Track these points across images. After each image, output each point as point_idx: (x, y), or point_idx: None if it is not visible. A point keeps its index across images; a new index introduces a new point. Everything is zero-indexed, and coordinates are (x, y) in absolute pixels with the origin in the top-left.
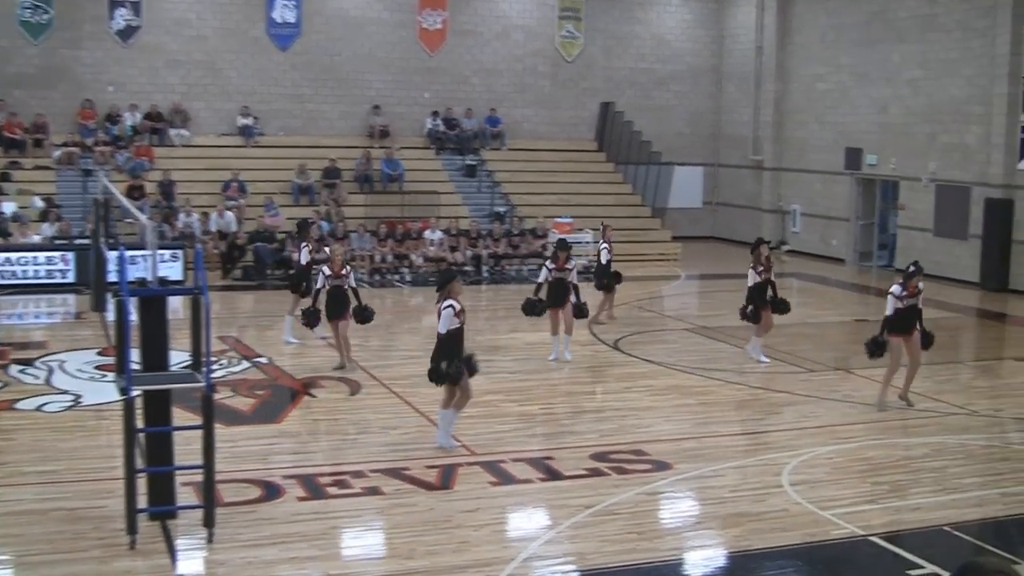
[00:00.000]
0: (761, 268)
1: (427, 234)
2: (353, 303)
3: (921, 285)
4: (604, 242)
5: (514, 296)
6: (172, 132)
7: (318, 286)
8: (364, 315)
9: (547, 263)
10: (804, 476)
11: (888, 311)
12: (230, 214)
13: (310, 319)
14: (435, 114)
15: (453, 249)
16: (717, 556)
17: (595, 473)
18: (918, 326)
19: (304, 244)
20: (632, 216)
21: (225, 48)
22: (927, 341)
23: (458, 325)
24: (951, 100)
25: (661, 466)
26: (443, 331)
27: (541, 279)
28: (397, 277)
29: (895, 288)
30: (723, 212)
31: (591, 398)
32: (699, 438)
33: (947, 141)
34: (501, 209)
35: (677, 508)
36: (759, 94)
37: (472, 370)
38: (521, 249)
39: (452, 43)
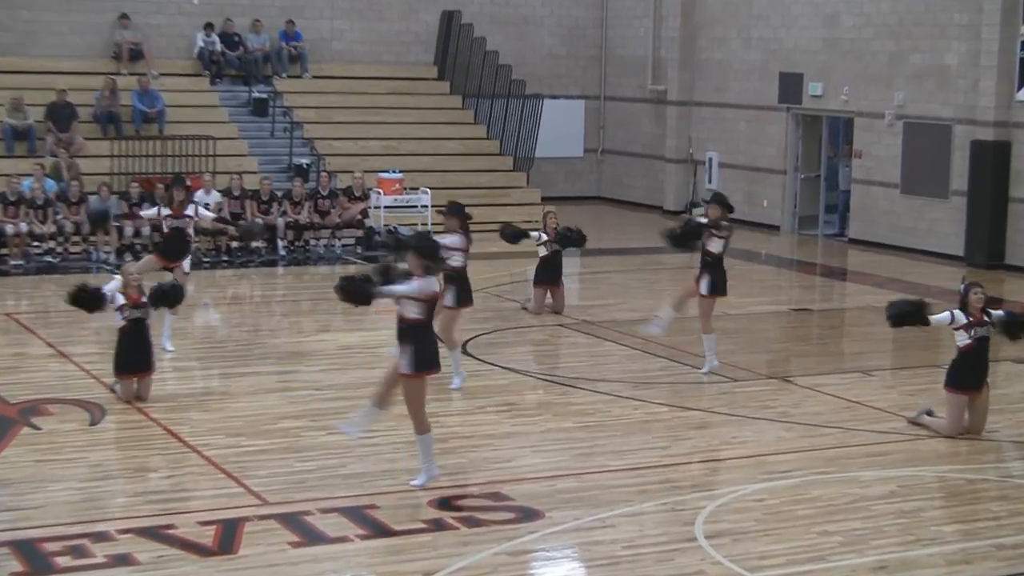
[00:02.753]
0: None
1: (199, 196)
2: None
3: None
4: (543, 232)
5: (322, 283)
6: None
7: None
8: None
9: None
10: (725, 525)
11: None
12: None
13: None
14: (208, 27)
15: (236, 217)
16: None
17: (437, 526)
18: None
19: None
20: (486, 170)
21: None
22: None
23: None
24: (925, 7)
25: (528, 514)
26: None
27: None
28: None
29: (956, 315)
30: (613, 163)
31: (433, 422)
32: (580, 474)
33: (919, 63)
34: (304, 161)
35: (552, 573)
36: (660, 1)
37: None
38: (332, 217)
39: None
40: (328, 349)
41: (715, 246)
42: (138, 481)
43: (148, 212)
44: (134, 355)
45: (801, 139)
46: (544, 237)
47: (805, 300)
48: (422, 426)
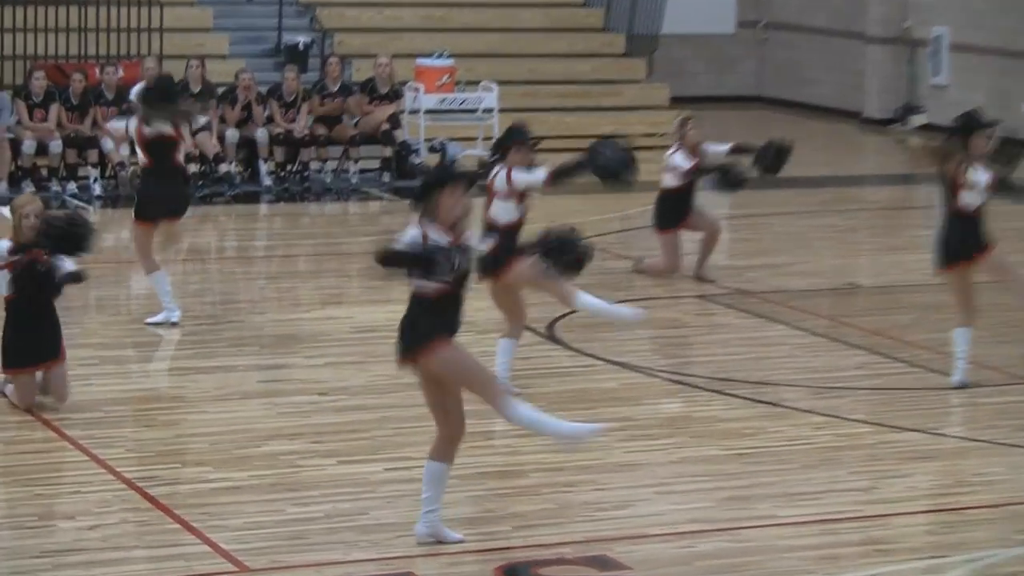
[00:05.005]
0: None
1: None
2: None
3: None
4: (680, 147)
5: (330, 229)
6: None
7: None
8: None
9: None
10: None
11: None
12: None
13: None
14: None
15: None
16: None
17: None
18: None
19: None
20: (584, 54)
21: None
22: None
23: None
24: None
25: None
26: None
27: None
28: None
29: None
30: (782, 45)
31: (502, 445)
32: (732, 529)
33: None
34: (301, 40)
35: None
36: None
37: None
38: (344, 128)
39: None
40: (338, 332)
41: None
42: (41, 534)
43: (115, 124)
44: (32, 337)
45: None
46: (682, 161)
47: None
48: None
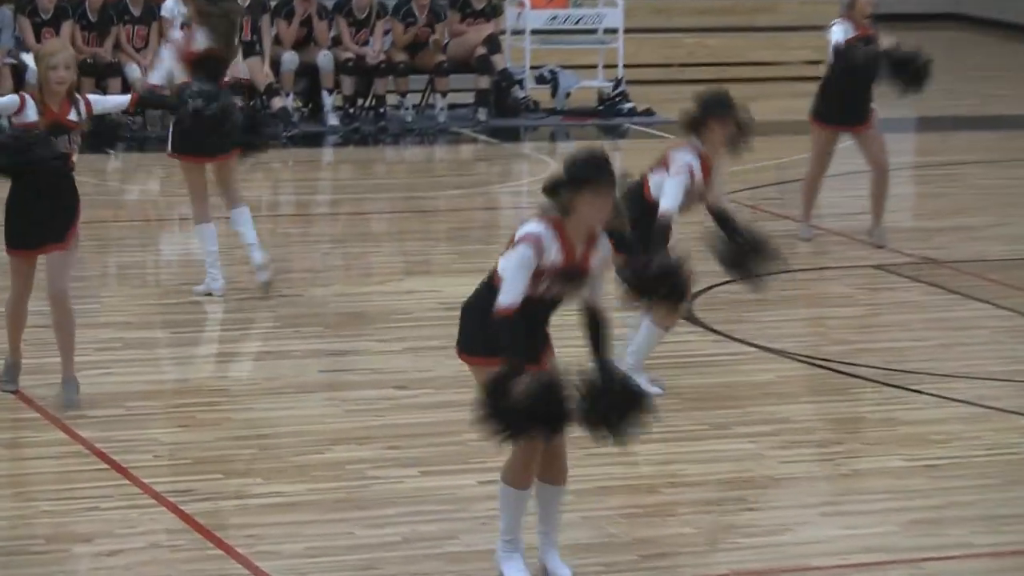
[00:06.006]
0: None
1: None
2: None
3: None
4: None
5: (412, 179)
6: None
7: None
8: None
9: None
10: None
11: None
12: None
13: None
14: None
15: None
16: None
17: None
18: None
19: None
20: None
21: None
22: None
23: None
24: None
25: None
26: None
27: None
28: None
29: None
30: None
31: (626, 452)
32: (919, 561)
33: None
34: None
35: None
36: None
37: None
38: (429, 54)
39: None
40: (420, 309)
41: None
42: (49, 561)
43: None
44: (45, 216)
45: None
46: (843, 33)
47: None
48: None
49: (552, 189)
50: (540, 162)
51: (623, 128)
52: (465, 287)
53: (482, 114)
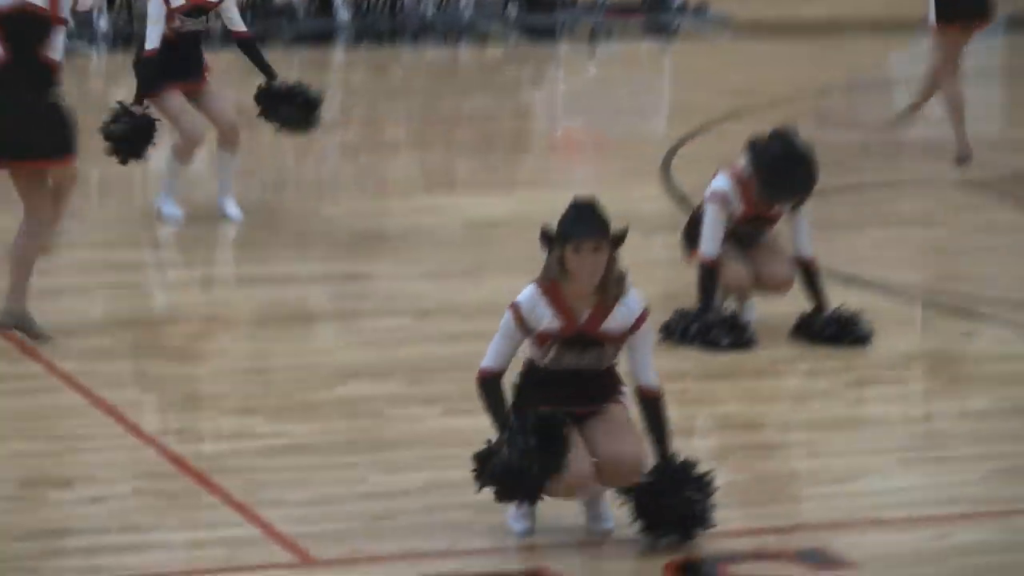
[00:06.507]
0: None
1: None
2: None
3: None
4: None
5: (431, 85)
6: None
7: None
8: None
9: None
10: None
11: None
12: None
13: None
14: None
15: None
16: None
17: None
18: None
19: None
20: None
21: None
22: None
23: None
24: None
25: None
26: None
27: None
28: None
29: None
30: None
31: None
32: (1012, 512)
33: None
34: None
35: None
36: None
37: None
38: None
39: None
40: (443, 229)
41: None
42: (24, 508)
43: None
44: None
45: None
46: None
47: None
48: None
49: (545, 243)
50: (578, 65)
51: (673, 26)
52: (491, 203)
53: (513, 8)
